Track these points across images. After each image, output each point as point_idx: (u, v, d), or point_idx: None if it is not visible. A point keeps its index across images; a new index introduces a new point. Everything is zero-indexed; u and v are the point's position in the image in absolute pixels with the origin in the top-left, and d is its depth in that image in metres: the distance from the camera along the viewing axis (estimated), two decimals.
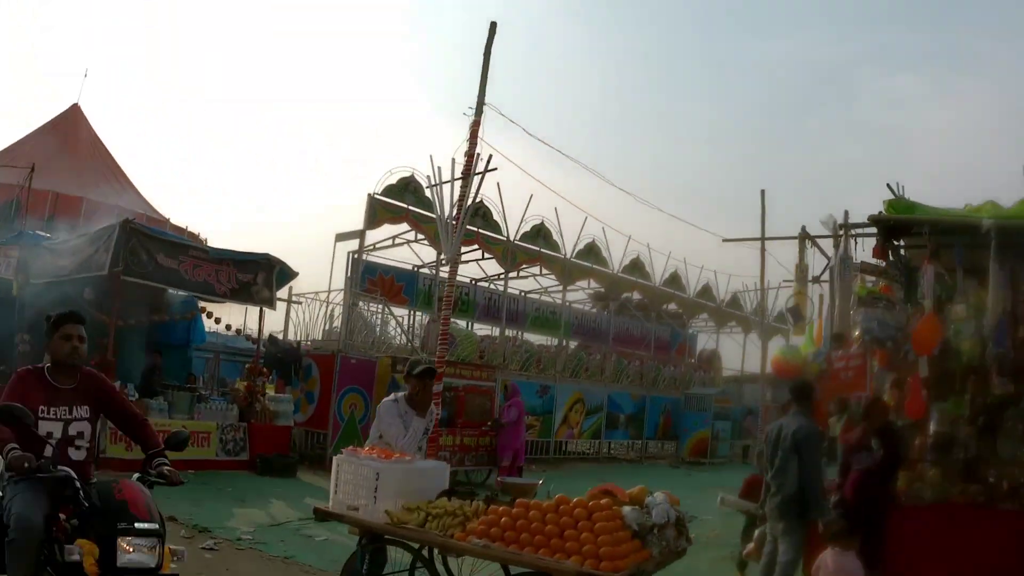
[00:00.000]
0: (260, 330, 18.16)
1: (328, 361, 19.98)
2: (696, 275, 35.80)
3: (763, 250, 25.08)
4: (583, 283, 31.11)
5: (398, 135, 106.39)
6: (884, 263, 9.97)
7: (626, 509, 6.09)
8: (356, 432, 19.46)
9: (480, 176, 13.26)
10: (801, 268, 13.75)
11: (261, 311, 17.87)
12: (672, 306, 35.88)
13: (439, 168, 14.02)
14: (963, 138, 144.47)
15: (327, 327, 21.92)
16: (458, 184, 13.17)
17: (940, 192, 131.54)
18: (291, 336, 21.73)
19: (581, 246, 29.01)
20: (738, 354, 40.73)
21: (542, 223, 27.33)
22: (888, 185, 10.44)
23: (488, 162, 13.31)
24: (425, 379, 7.82)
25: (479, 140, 13.11)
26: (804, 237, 13.70)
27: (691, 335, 39.95)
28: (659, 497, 6.44)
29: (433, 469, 7.08)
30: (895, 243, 9.69)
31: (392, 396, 7.84)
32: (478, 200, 24.30)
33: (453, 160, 13.18)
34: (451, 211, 13.24)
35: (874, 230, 10.13)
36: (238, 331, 19.33)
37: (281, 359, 18.93)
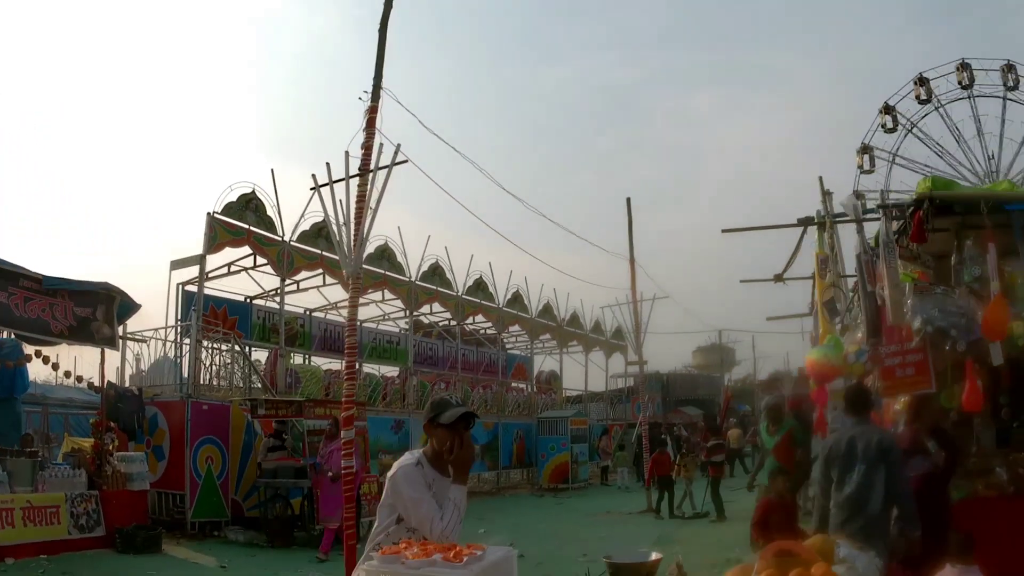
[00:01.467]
0: (102, 376, 14.78)
1: (176, 409, 17.05)
2: (537, 294, 34.04)
3: (632, 262, 23.49)
4: (425, 308, 28.75)
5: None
6: (918, 246, 8.49)
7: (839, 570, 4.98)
8: (216, 491, 16.74)
9: (386, 172, 10.85)
10: (826, 257, 11.95)
11: (102, 352, 14.59)
12: (514, 327, 33.78)
13: (327, 164, 11.41)
14: (757, 151, 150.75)
15: (173, 370, 18.91)
16: (354, 184, 10.72)
17: (738, 204, 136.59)
18: (127, 381, 18.32)
19: (425, 267, 26.81)
20: (580, 373, 39.28)
21: (386, 243, 25.03)
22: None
23: (396, 154, 10.94)
24: (460, 428, 5.07)
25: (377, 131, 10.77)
26: (823, 223, 11.95)
27: (526, 358, 38.29)
28: (848, 548, 5.55)
29: (504, 560, 4.55)
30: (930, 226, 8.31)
31: (411, 457, 5.01)
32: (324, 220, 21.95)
33: (347, 154, 10.72)
34: (346, 217, 10.75)
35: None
36: (79, 379, 15.93)
37: (121, 409, 15.61)
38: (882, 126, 60.33)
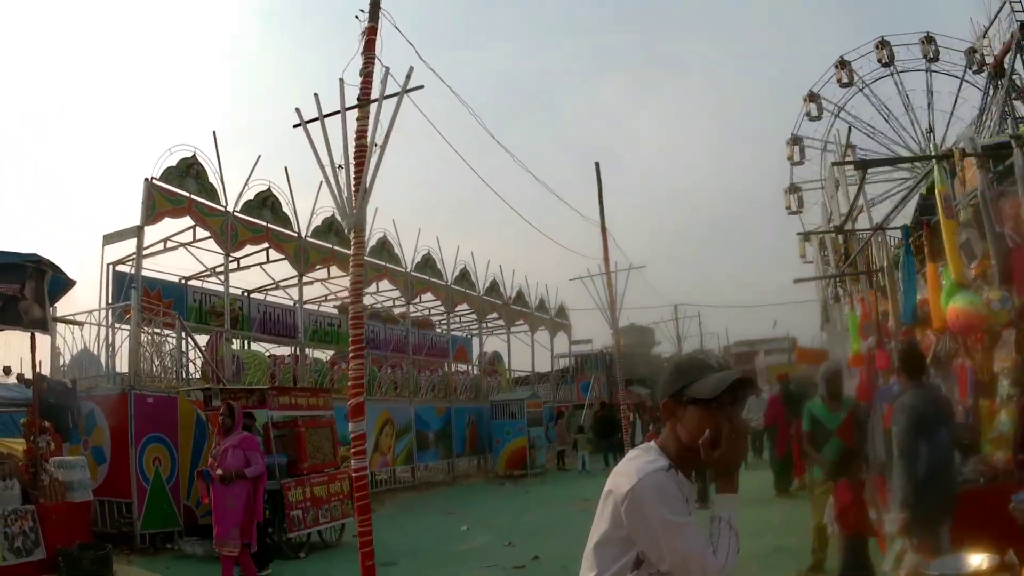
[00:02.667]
0: (34, 365, 12.10)
1: (116, 404, 14.68)
2: (484, 271, 32.08)
3: (604, 231, 21.68)
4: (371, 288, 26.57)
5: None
6: None
7: None
8: (166, 497, 14.54)
9: (396, 101, 8.80)
10: (949, 194, 10.26)
11: (32, 338, 11.98)
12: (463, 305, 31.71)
13: (316, 96, 9.26)
14: (668, 133, 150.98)
15: (94, 361, 16.55)
16: (353, 118, 8.68)
17: (658, 188, 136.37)
18: (56, 371, 15.83)
19: (373, 242, 24.68)
20: (522, 354, 37.50)
21: (333, 216, 22.82)
22: None
23: (408, 79, 8.88)
24: (726, 404, 3.03)
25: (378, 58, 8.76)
26: (944, 157, 10.20)
27: (466, 339, 36.38)
28: None
29: None
30: None
31: (651, 457, 2.97)
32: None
33: (342, 82, 8.67)
34: (341, 157, 8.69)
35: None
36: (6, 370, 13.40)
37: (53, 405, 13.13)
38: (807, 115, 60.03)
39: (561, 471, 29.90)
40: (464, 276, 30.44)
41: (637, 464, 2.86)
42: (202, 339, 19.23)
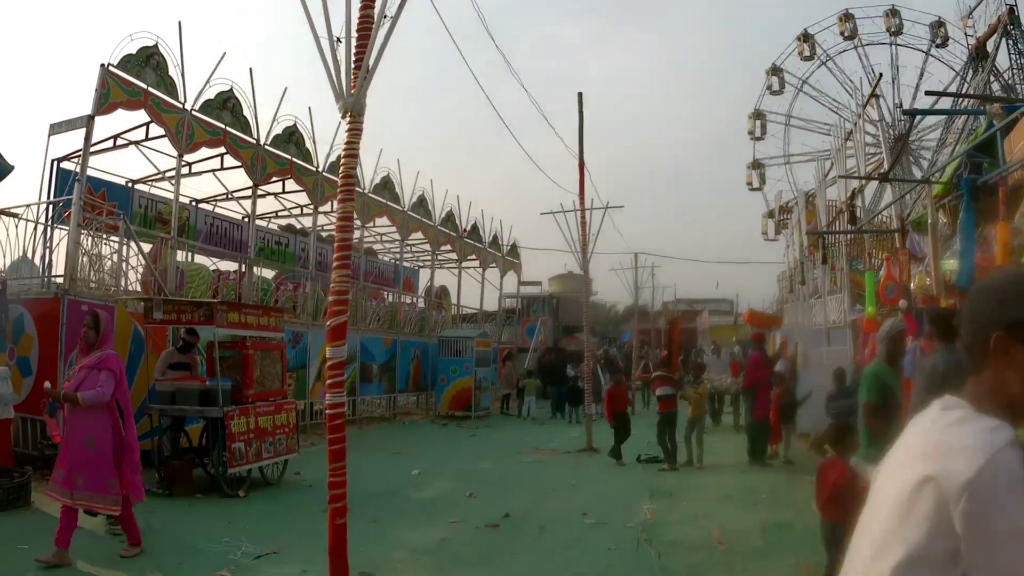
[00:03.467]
0: None
1: (49, 310, 13.11)
2: (441, 199, 30.56)
3: (582, 165, 20.31)
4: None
5: None
6: None
7: None
8: None
9: None
10: None
11: None
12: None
13: None
14: (625, 84, 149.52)
15: (47, 259, 14.92)
16: None
17: (603, 137, 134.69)
18: None
19: (333, 158, 23.06)
20: (469, 291, 36.15)
21: (295, 125, 21.20)
22: None
23: None
24: None
25: None
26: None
27: (413, 270, 34.95)
28: None
29: None
30: None
31: (996, 430, 1.66)
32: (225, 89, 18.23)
33: None
34: (341, 31, 7.21)
35: None
36: None
37: None
38: (768, 88, 59.13)
39: (505, 415, 28.77)
40: (421, 203, 28.91)
41: (973, 435, 1.74)
42: (145, 248, 17.62)
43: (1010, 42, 45.35)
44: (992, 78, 44.83)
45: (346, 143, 7.24)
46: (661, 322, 68.17)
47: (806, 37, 58.10)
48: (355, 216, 23.56)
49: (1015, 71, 44.71)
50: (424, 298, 33.40)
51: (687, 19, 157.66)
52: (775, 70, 59.03)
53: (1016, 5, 44.72)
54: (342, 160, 7.27)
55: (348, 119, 7.21)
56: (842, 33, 57.71)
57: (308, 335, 21.27)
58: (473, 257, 33.90)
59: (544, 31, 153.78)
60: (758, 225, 60.15)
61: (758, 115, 59.17)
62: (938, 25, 56.73)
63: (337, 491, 7.01)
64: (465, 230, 32.61)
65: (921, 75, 55.31)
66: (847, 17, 57.57)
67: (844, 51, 58.23)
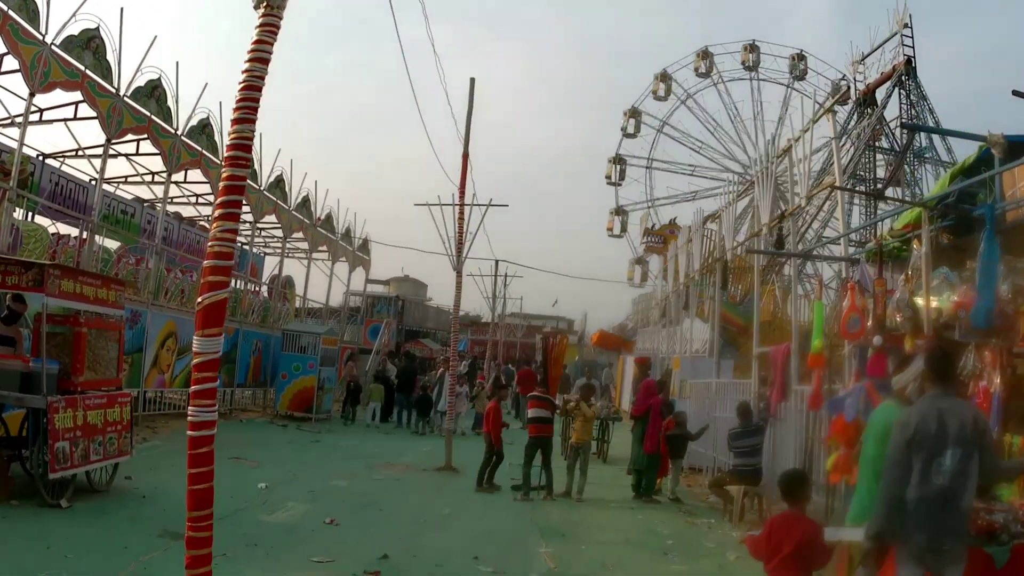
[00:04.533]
0: None
1: None
2: (299, 183, 28.55)
3: (466, 156, 18.79)
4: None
5: None
6: None
7: None
8: None
9: None
10: None
11: None
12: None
13: None
14: (493, 95, 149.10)
15: None
16: None
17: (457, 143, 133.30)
18: None
19: (195, 122, 20.92)
20: (319, 285, 34.10)
21: (159, 79, 19.00)
22: None
23: None
24: None
25: None
26: None
27: (259, 256, 32.76)
28: None
29: None
30: None
31: None
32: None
33: None
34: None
35: None
36: None
37: None
38: (653, 92, 58.92)
39: (344, 419, 26.58)
40: (279, 184, 26.88)
41: None
42: None
43: (903, 93, 46.05)
44: (878, 126, 45.60)
45: (255, 42, 5.39)
46: (500, 334, 67.25)
47: (705, 54, 58.04)
48: (210, 174, 21.88)
49: (904, 120, 45.41)
50: (269, 287, 31.31)
51: (558, 39, 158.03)
52: (633, 112, 58.91)
53: (915, 56, 45.46)
54: (247, 65, 5.39)
55: (264, 7, 5.42)
56: (696, 70, 58.01)
57: (147, 315, 19.15)
58: (324, 248, 31.93)
59: (412, 33, 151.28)
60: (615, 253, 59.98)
61: (634, 113, 58.84)
62: (799, 58, 57.63)
63: (199, 551, 5.17)
64: (319, 218, 30.67)
65: (785, 110, 55.90)
66: (705, 54, 57.92)
67: (702, 89, 58.65)
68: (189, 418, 5.06)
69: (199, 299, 5.09)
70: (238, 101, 5.25)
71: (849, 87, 55.71)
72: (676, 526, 13.31)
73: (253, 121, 5.22)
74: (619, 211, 59.01)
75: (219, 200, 5.16)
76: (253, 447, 17.94)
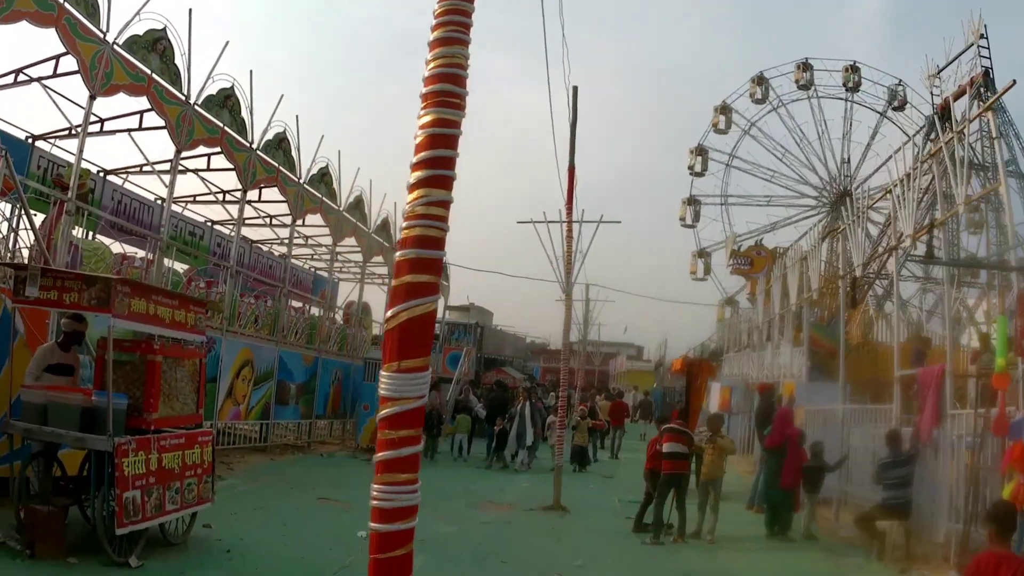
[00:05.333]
0: None
1: None
2: (379, 203, 27.02)
3: (572, 169, 17.05)
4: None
5: None
6: None
7: None
8: None
9: None
10: None
11: None
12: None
13: None
14: (543, 116, 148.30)
15: None
16: None
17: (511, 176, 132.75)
18: None
19: (270, 136, 19.47)
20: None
21: (232, 88, 17.52)
22: None
23: None
24: None
25: None
26: None
27: (334, 281, 31.25)
28: None
29: None
30: None
31: None
32: None
33: None
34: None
35: None
36: None
37: None
38: (714, 126, 56.97)
39: (426, 453, 24.74)
40: (358, 205, 25.34)
41: None
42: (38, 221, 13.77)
43: (980, 104, 43.63)
44: (957, 141, 43.11)
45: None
46: (575, 361, 65.35)
47: (760, 80, 56.10)
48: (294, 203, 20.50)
49: (983, 136, 42.91)
50: (343, 313, 29.78)
51: (614, 59, 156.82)
52: (724, 108, 56.94)
53: (992, 68, 42.88)
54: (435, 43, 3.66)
55: None
56: (797, 81, 55.96)
57: (222, 342, 17.60)
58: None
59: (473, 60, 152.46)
60: (686, 264, 57.74)
61: (700, 151, 56.93)
62: (852, 70, 55.74)
63: None
64: (399, 243, 29.03)
65: (874, 135, 54.02)
66: (806, 66, 55.90)
67: (797, 100, 56.70)
68: (373, 502, 3.66)
69: (388, 313, 3.54)
70: (439, 15, 3.58)
71: (905, 92, 53.84)
72: (825, 568, 12.00)
73: (465, 43, 3.55)
74: (701, 253, 56.97)
75: (419, 158, 3.47)
76: (340, 486, 16.24)
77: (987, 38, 42.94)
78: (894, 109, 55.15)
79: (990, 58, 43.11)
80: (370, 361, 24.20)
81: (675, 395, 55.26)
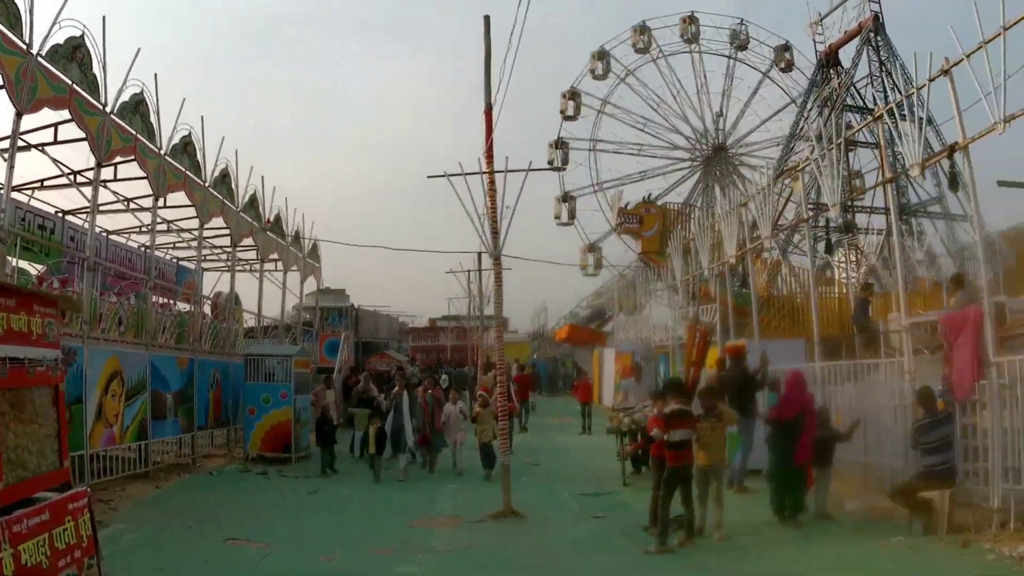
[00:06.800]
0: None
1: None
2: (246, 176, 23.82)
3: (489, 111, 14.45)
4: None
5: None
6: None
7: None
8: None
9: None
10: None
11: None
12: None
13: None
14: (398, 97, 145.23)
15: None
16: None
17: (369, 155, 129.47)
18: None
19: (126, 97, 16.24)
20: (276, 298, 29.25)
21: (83, 39, 14.30)
22: None
23: None
24: None
25: None
26: None
27: (200, 270, 27.87)
28: None
29: None
30: None
31: None
32: None
33: None
34: None
35: None
36: None
37: None
38: (591, 71, 55.31)
39: (324, 469, 21.40)
40: (224, 180, 22.10)
41: None
42: None
43: (871, 50, 42.86)
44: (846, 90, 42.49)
45: None
46: (445, 337, 62.88)
47: (643, 30, 54.71)
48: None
49: (874, 79, 42.18)
50: (212, 305, 26.59)
51: (462, 35, 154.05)
52: (572, 94, 55.45)
53: (881, 11, 42.12)
54: None
55: None
56: (682, 35, 55.09)
57: (84, 353, 14.45)
58: (275, 257, 27.23)
59: (319, 44, 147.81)
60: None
61: (573, 95, 55.26)
62: (739, 27, 55.28)
63: None
64: (269, 220, 25.97)
65: (754, 94, 53.88)
66: (691, 19, 54.86)
67: (642, 65, 55.74)
68: None
69: None
70: None
71: (792, 56, 53.61)
72: (876, 554, 10.07)
73: None
74: (566, 197, 55.15)
75: None
76: (245, 516, 13.53)
77: None
78: (781, 70, 54.78)
79: (879, 1, 42.53)
80: (251, 357, 21.19)
81: (559, 364, 53.50)
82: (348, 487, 16.92)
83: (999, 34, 10.45)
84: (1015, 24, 10.31)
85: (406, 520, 13.24)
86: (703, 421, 11.52)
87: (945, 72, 11.52)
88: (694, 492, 11.26)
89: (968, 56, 10.98)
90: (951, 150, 11.45)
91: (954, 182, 11.73)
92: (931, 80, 11.86)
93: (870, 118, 19.73)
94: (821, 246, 31.85)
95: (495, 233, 14.27)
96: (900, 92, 39.13)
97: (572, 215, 55.39)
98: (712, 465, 11.49)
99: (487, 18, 14.81)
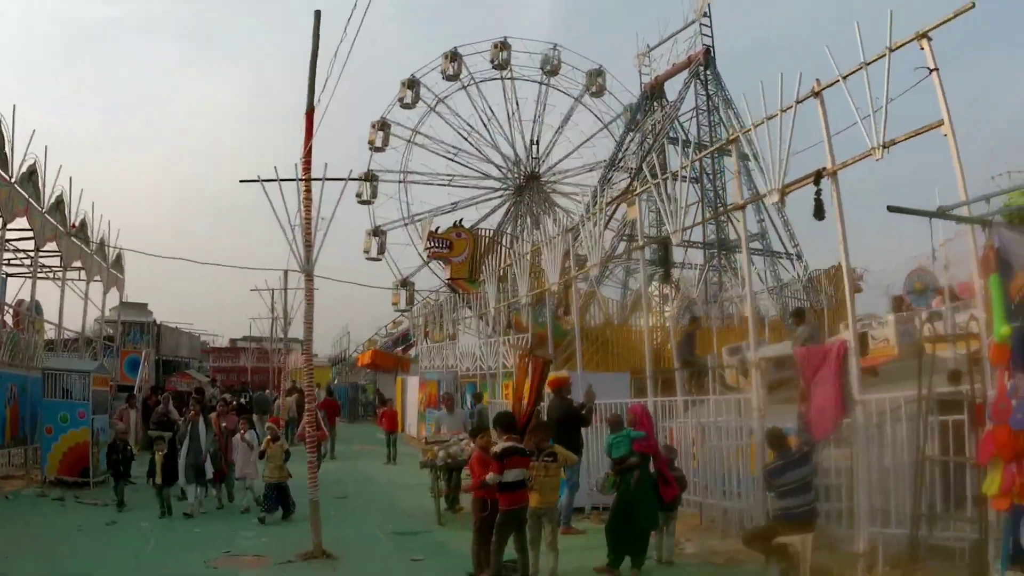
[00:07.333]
0: None
1: None
2: (54, 176, 22.24)
3: (310, 113, 14.19)
4: None
5: None
6: None
7: None
8: None
9: None
10: None
11: None
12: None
13: None
14: (217, 111, 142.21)
15: None
16: None
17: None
18: None
19: None
20: (76, 310, 27.76)
21: None
22: None
23: None
24: None
25: None
26: None
27: (2, 277, 26.00)
28: None
29: None
30: None
31: None
32: None
33: None
34: None
35: None
36: None
37: None
38: (400, 100, 55.19)
39: (118, 503, 19.98)
40: (31, 177, 20.41)
41: None
42: None
43: (699, 83, 44.38)
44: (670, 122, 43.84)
45: None
46: (246, 359, 61.42)
47: (453, 56, 54.88)
48: None
49: (699, 113, 43.70)
50: (13, 313, 24.90)
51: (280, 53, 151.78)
52: (382, 124, 55.22)
53: (713, 46, 43.72)
54: None
55: None
56: (492, 60, 55.35)
57: None
58: (79, 265, 25.83)
59: (148, 50, 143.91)
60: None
61: (383, 125, 54.88)
62: (551, 54, 56.38)
63: None
64: (74, 225, 24.57)
65: (567, 119, 54.61)
66: (503, 46, 55.25)
67: (453, 92, 56.10)
68: None
69: None
70: None
71: (605, 79, 54.96)
72: None
73: None
74: (376, 232, 54.63)
75: None
76: (45, 554, 12.57)
77: (710, 16, 43.90)
78: (592, 95, 55.81)
79: (712, 36, 44.07)
80: (48, 372, 20.02)
81: (360, 391, 52.37)
82: (149, 518, 15.98)
83: (884, 54, 10.51)
84: (873, 61, 10.53)
85: (209, 558, 12.56)
86: (536, 460, 10.76)
87: (816, 94, 11.57)
88: (527, 536, 10.57)
89: (845, 77, 11.01)
90: (818, 175, 11.47)
91: (819, 210, 11.64)
92: (798, 102, 11.78)
93: (711, 147, 20.59)
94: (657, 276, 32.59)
95: (308, 246, 13.49)
96: (725, 127, 41.19)
97: (382, 250, 54.94)
98: (545, 507, 10.78)
99: (318, 13, 13.86)
